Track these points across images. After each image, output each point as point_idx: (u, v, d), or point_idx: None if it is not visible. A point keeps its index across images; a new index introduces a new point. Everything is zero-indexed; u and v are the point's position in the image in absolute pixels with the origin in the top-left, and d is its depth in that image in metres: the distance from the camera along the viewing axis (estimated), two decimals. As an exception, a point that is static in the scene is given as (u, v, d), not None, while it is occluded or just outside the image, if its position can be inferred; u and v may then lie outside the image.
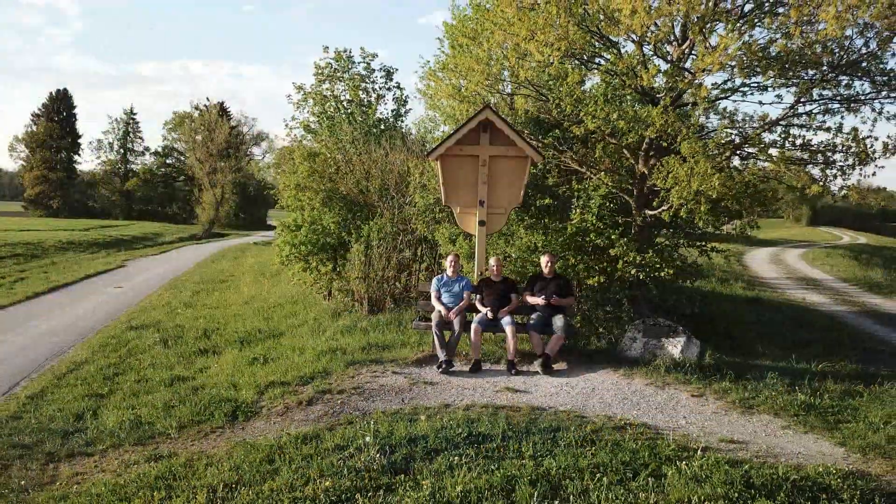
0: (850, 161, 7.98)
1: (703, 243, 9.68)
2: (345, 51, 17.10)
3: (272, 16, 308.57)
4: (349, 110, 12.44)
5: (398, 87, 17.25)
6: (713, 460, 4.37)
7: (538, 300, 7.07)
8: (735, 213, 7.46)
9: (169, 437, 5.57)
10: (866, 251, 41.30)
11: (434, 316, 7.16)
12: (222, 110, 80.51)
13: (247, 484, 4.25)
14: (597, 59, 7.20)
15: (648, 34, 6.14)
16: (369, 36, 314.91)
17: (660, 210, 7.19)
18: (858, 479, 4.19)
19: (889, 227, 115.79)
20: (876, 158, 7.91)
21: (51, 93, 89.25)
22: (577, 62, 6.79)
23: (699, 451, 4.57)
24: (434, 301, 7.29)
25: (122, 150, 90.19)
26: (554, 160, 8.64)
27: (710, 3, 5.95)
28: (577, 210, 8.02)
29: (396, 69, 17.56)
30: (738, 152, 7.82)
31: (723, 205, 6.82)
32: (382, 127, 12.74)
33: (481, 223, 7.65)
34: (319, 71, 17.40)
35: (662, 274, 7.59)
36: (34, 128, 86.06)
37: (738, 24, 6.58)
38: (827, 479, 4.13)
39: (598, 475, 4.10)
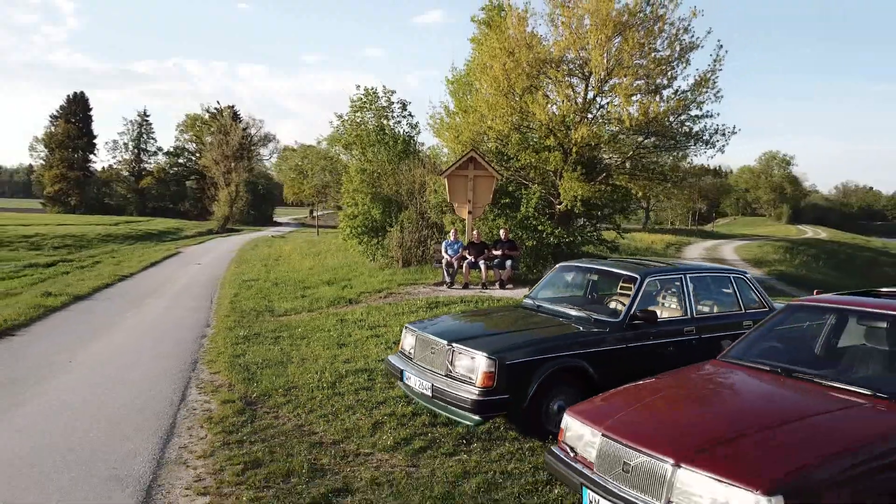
0: (675, 179, 14.57)
1: (607, 227, 16.13)
2: (372, 89, 23.66)
3: (268, 14, 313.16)
4: (385, 140, 18.80)
5: (410, 115, 23.83)
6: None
7: (498, 252, 13.53)
8: (603, 206, 13.97)
9: (322, 308, 11.96)
10: (807, 244, 48.10)
11: (443, 261, 13.61)
12: (234, 114, 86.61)
13: (374, 312, 10.68)
14: (531, 127, 13.74)
15: (553, 120, 12.65)
16: (366, 35, 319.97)
17: (561, 206, 13.71)
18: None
19: (875, 226, 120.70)
20: (687, 178, 14.52)
21: (68, 95, 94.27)
22: (518, 131, 13.25)
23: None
24: (443, 252, 13.74)
25: (136, 150, 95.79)
26: (512, 177, 15.13)
27: (579, 108, 12.44)
28: (523, 205, 14.49)
29: (410, 102, 24.07)
30: (610, 173, 14.35)
31: (592, 202, 13.32)
32: (407, 150, 19.05)
33: (469, 213, 14.12)
34: (353, 104, 23.95)
35: (569, 240, 14.10)
36: (53, 129, 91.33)
37: (600, 108, 13.14)
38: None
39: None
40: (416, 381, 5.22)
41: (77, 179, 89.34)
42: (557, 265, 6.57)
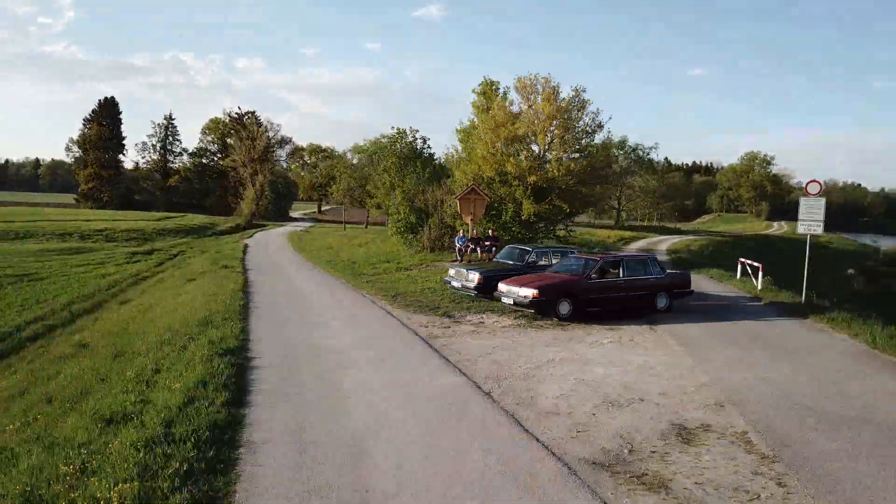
0: (592, 200, 24.87)
1: (561, 228, 26.38)
2: (402, 130, 33.90)
3: (266, 7, 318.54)
4: (417, 170, 28.90)
5: (429, 147, 34.05)
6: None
7: (488, 243, 23.77)
8: (549, 217, 24.27)
9: (392, 272, 22.10)
10: (748, 239, 58.06)
11: (456, 248, 23.85)
12: (256, 120, 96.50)
13: (423, 273, 20.85)
14: (506, 173, 23.99)
15: (519, 170, 22.88)
16: (364, 28, 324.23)
17: (524, 217, 23.98)
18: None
19: (862, 222, 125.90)
20: (601, 200, 24.85)
21: (99, 100, 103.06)
22: (499, 174, 23.47)
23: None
24: (456, 243, 23.98)
25: (162, 151, 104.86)
26: (496, 199, 25.39)
27: (534, 163, 22.64)
28: (503, 216, 24.76)
29: (429, 138, 34.27)
30: (552, 198, 24.64)
31: (542, 215, 23.60)
32: (432, 176, 29.15)
33: (471, 220, 24.40)
34: (389, 138, 34.17)
35: (530, 237, 24.38)
36: (86, 131, 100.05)
37: (545, 163, 23.50)
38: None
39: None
40: (455, 283, 15.50)
41: (109, 178, 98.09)
42: (506, 246, 16.89)
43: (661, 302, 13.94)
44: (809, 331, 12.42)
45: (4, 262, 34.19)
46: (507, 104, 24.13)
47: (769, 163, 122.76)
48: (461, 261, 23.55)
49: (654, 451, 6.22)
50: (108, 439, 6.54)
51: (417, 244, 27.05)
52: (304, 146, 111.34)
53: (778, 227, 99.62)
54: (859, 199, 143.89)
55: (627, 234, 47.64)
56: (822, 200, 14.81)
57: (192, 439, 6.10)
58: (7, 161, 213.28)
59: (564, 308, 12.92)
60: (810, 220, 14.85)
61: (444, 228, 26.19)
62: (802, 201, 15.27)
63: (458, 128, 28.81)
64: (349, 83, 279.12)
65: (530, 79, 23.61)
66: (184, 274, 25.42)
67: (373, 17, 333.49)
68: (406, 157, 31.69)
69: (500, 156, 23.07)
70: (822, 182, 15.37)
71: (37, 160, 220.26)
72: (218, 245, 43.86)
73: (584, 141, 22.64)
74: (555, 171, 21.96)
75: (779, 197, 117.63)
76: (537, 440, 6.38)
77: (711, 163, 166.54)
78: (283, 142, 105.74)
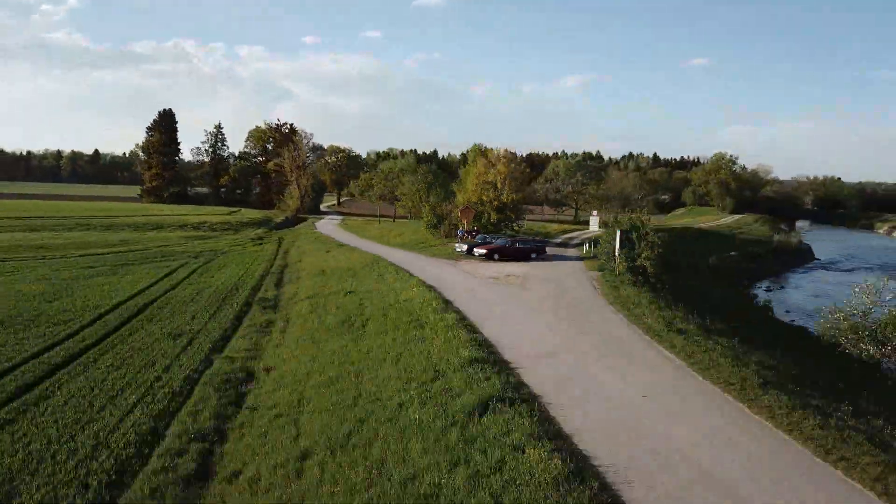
0: (529, 212, 49.50)
1: (515, 224, 50.93)
2: (430, 166, 58.00)
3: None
4: (437, 191, 52.60)
5: (441, 173, 58.13)
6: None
7: (474, 233, 48.06)
8: (506, 220, 48.80)
9: (428, 247, 46.17)
10: (668, 231, 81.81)
11: (458, 236, 48.18)
12: (294, 130, 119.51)
13: (443, 245, 45.07)
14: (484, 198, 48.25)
15: (490, 198, 47.18)
16: (365, 17, 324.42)
17: (493, 220, 48.36)
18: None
19: (839, 213, 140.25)
20: (532, 210, 49.55)
21: (159, 111, 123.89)
22: (479, 199, 47.72)
23: (487, 246, 45.68)
24: (458, 233, 48.31)
25: (213, 155, 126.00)
26: (478, 210, 49.73)
27: (497, 193, 46.80)
28: (482, 219, 49.08)
29: (446, 156, 58.12)
30: (507, 209, 49.11)
31: (501, 219, 47.99)
32: (446, 195, 52.92)
33: (466, 221, 48.78)
34: (410, 165, 58.29)
35: (496, 231, 48.83)
36: (150, 138, 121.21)
37: (501, 194, 48.09)
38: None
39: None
40: (459, 250, 39.90)
41: (170, 178, 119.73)
42: (479, 234, 41.48)
43: (534, 255, 38.11)
44: (576, 263, 36.65)
45: (187, 245, 57.20)
46: (485, 159, 48.21)
47: (734, 162, 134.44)
48: (460, 241, 48.09)
49: (502, 279, 30.62)
50: (382, 281, 30.80)
51: (438, 234, 51.22)
52: (326, 146, 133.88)
53: (724, 220, 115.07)
54: (837, 192, 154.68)
55: (570, 226, 71.73)
56: (597, 218, 39.16)
57: (417, 286, 30.43)
58: (29, 153, 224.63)
59: (496, 257, 37.15)
60: (594, 224, 39.21)
61: (451, 226, 50.40)
62: (591, 218, 39.67)
63: (462, 168, 52.87)
64: (349, 72, 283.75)
65: (498, 150, 47.83)
66: (317, 248, 49.67)
67: (373, 5, 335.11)
68: (430, 184, 55.80)
69: (480, 190, 47.18)
70: (597, 213, 39.68)
71: (58, 152, 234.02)
72: (297, 234, 67.05)
73: (521, 182, 46.67)
74: (506, 199, 46.04)
75: (750, 190, 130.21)
76: (476, 277, 30.90)
77: (698, 158, 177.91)
78: (315, 148, 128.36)
